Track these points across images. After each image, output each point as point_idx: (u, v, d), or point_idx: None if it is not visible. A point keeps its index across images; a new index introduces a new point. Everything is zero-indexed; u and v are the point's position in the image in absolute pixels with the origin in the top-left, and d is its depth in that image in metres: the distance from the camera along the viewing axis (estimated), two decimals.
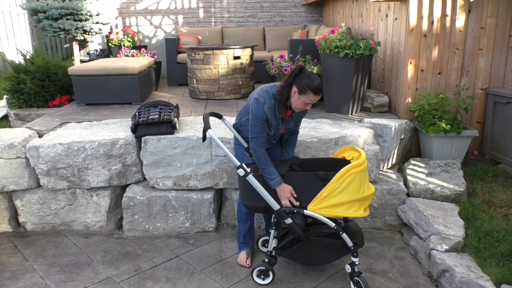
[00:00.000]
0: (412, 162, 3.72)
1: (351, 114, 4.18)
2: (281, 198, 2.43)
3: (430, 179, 3.39)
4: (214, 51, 4.87)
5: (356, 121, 3.85)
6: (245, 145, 2.73)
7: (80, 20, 6.09)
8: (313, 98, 2.38)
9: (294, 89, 2.39)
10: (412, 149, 4.09)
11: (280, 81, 2.83)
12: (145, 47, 7.03)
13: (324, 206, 2.34)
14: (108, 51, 7.09)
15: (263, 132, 2.45)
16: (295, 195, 2.42)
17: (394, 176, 3.52)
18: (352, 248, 2.45)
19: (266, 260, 2.59)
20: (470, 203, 3.19)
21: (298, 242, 2.54)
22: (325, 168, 2.62)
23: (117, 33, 7.12)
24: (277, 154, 2.83)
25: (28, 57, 5.32)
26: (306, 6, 7.72)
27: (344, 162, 2.58)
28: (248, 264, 2.82)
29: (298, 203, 2.42)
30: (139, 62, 4.83)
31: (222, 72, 4.93)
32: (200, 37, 6.98)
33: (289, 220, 2.47)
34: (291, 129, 2.70)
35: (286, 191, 2.41)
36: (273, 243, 2.60)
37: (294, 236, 2.55)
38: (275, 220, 2.59)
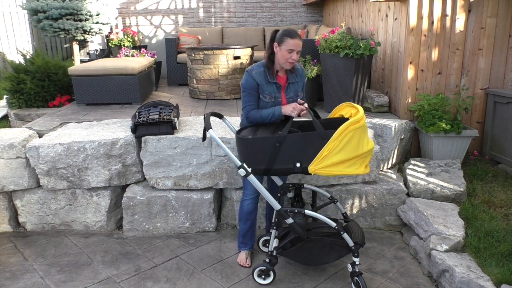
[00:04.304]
0: (412, 162, 3.72)
1: None
2: (291, 113, 2.45)
3: (430, 179, 3.39)
4: (214, 51, 4.87)
5: None
6: None
7: (80, 20, 6.09)
8: (291, 42, 2.46)
9: (274, 44, 2.52)
10: (412, 149, 4.10)
11: None
12: (145, 47, 7.03)
13: (325, 165, 2.29)
14: (108, 51, 7.09)
15: (252, 102, 2.57)
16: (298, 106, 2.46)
17: (394, 176, 3.52)
18: (353, 248, 2.45)
19: (267, 260, 2.59)
20: (470, 203, 3.19)
21: (299, 242, 2.54)
22: (324, 128, 2.58)
23: (117, 33, 7.12)
24: None
25: (28, 57, 5.32)
26: (306, 6, 7.72)
27: (342, 120, 2.51)
28: (248, 264, 2.82)
29: (306, 105, 2.48)
30: (139, 62, 4.83)
31: (222, 72, 4.93)
32: (200, 37, 6.98)
33: (290, 220, 2.47)
34: (292, 100, 2.67)
35: (289, 106, 2.45)
36: (274, 242, 2.60)
37: (295, 235, 2.54)
38: (276, 219, 2.59)
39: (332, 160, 2.28)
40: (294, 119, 2.59)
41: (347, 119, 2.49)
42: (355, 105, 2.49)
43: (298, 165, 2.35)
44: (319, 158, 2.30)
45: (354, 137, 2.27)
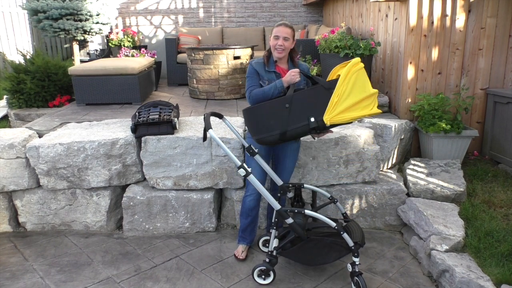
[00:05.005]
0: (412, 162, 3.72)
1: None
2: (295, 79, 2.51)
3: (430, 179, 3.39)
4: (214, 51, 4.87)
5: (356, 121, 3.85)
6: (246, 144, 2.74)
7: (80, 20, 6.09)
8: (275, 30, 2.70)
9: (269, 38, 2.80)
10: (412, 149, 4.09)
11: None
12: (145, 47, 7.03)
13: (339, 112, 2.29)
14: (108, 51, 7.09)
15: (254, 83, 2.72)
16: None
17: (394, 176, 3.52)
18: (353, 247, 2.45)
19: (267, 260, 2.59)
20: (470, 203, 3.19)
21: (299, 242, 2.54)
22: None
23: (117, 33, 7.12)
24: (287, 164, 2.89)
25: (28, 57, 5.31)
26: (306, 6, 7.72)
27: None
28: (242, 257, 2.87)
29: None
30: (139, 62, 4.83)
31: (222, 72, 4.93)
32: (200, 37, 6.97)
33: (290, 220, 2.47)
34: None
35: (289, 74, 2.54)
36: (274, 242, 2.60)
37: (295, 235, 2.54)
38: (276, 219, 2.59)
39: (344, 105, 2.28)
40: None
41: None
42: (350, 61, 2.52)
43: (312, 119, 2.36)
44: (331, 107, 2.30)
45: (359, 78, 2.29)
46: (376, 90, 2.40)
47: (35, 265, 2.87)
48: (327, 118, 2.31)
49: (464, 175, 3.48)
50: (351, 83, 2.25)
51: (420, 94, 3.90)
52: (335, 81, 2.29)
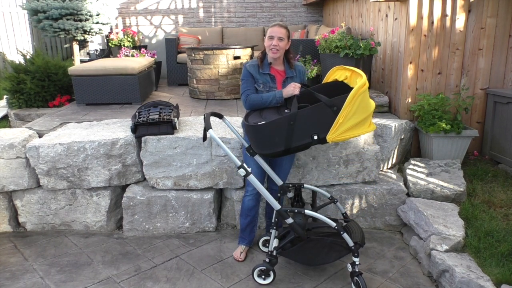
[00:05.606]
0: (412, 162, 3.72)
1: None
2: (293, 92, 2.56)
3: (430, 179, 3.39)
4: (214, 51, 4.87)
5: None
6: (246, 144, 2.74)
7: (80, 20, 6.09)
8: (269, 30, 2.71)
9: (264, 39, 2.80)
10: (412, 149, 4.09)
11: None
12: (145, 47, 7.03)
13: (342, 132, 2.35)
14: (108, 51, 7.08)
15: (250, 87, 2.74)
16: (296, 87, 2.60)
17: (394, 176, 3.52)
18: (353, 247, 2.45)
19: (267, 260, 2.59)
20: (470, 203, 3.19)
21: (299, 242, 2.54)
22: (324, 95, 2.58)
23: (117, 33, 7.12)
24: (285, 167, 2.90)
25: (28, 57, 5.31)
26: (306, 6, 7.72)
27: (339, 84, 2.62)
28: (240, 259, 2.87)
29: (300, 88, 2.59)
30: (139, 62, 4.83)
31: (222, 72, 4.93)
32: (200, 37, 6.97)
33: (290, 220, 2.47)
34: None
35: (289, 87, 2.58)
36: (274, 242, 2.60)
37: (295, 235, 2.55)
38: (276, 219, 2.59)
39: (347, 125, 2.34)
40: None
41: (341, 82, 2.62)
42: (348, 67, 2.57)
43: (315, 137, 2.40)
44: (336, 126, 2.34)
45: (364, 99, 2.34)
46: (374, 106, 2.48)
47: (35, 265, 2.87)
48: (330, 138, 2.37)
49: (464, 175, 3.48)
50: (356, 104, 2.31)
51: (420, 94, 3.90)
52: (337, 99, 2.33)
